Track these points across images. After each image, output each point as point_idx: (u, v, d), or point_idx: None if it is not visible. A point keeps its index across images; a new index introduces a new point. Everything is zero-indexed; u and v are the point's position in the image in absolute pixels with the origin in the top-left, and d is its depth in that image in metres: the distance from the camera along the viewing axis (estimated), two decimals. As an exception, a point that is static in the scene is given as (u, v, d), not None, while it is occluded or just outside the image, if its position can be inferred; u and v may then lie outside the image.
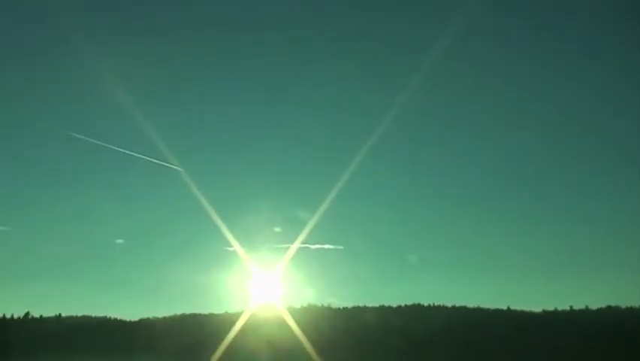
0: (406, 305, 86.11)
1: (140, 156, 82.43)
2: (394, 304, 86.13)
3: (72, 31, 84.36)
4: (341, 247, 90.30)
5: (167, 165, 64.94)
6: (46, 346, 75.07)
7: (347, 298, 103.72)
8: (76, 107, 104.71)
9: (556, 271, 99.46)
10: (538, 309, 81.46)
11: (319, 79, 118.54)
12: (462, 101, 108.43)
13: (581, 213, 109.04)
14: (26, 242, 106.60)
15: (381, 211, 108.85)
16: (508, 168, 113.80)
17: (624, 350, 59.92)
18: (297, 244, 59.23)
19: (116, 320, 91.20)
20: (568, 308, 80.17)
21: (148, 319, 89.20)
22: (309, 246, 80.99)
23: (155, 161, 70.65)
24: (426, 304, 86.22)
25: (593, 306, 79.19)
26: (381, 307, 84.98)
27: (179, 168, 65.50)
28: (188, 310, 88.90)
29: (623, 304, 78.30)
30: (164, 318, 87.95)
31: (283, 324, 62.57)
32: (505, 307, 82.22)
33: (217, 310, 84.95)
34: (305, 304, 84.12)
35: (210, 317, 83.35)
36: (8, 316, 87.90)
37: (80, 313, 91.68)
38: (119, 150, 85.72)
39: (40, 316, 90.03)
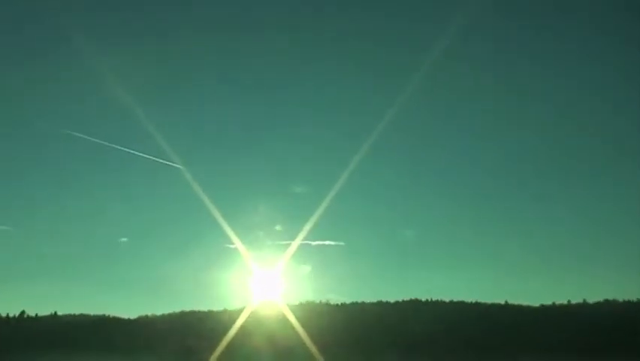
0: (404, 300, 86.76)
1: (141, 154, 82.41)
2: (392, 300, 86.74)
3: (72, 31, 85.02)
4: (342, 243, 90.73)
5: (168, 163, 65.04)
6: (48, 344, 74.64)
7: (346, 294, 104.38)
8: (76, 106, 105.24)
9: (554, 266, 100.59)
10: (536, 304, 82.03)
11: (319, 79, 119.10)
12: (462, 100, 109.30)
13: (578, 209, 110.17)
14: (26, 242, 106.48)
15: (381, 209, 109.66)
16: (506, 165, 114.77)
17: (622, 343, 60.36)
18: (298, 240, 59.46)
19: (114, 317, 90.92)
20: (566, 302, 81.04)
21: (147, 316, 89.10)
22: (310, 242, 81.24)
23: (156, 160, 70.57)
24: (424, 300, 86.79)
25: (591, 300, 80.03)
26: (379, 303, 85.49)
27: (180, 167, 65.69)
28: (189, 307, 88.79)
29: (621, 298, 79.33)
30: (164, 316, 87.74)
31: (283, 321, 62.55)
32: (502, 302, 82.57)
33: (217, 307, 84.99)
34: (304, 301, 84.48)
35: (210, 314, 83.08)
36: (9, 315, 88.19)
37: (77, 312, 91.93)
38: (121, 148, 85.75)
39: (36, 314, 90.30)
